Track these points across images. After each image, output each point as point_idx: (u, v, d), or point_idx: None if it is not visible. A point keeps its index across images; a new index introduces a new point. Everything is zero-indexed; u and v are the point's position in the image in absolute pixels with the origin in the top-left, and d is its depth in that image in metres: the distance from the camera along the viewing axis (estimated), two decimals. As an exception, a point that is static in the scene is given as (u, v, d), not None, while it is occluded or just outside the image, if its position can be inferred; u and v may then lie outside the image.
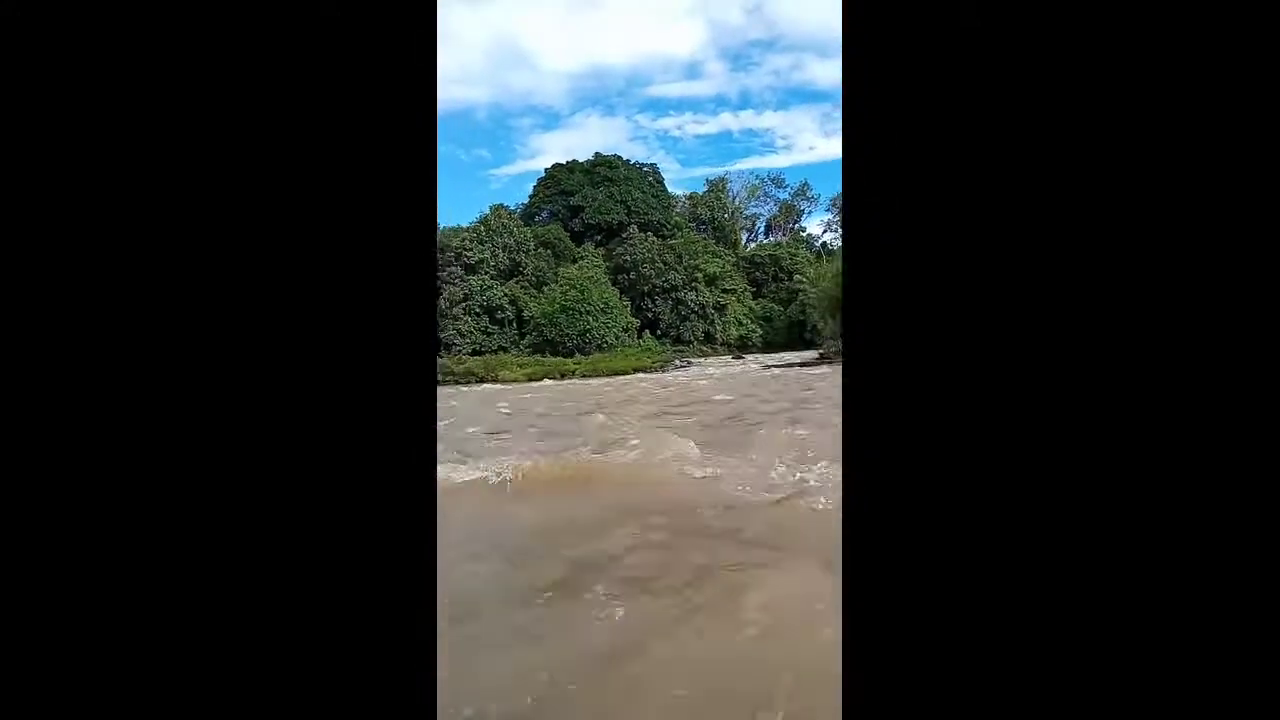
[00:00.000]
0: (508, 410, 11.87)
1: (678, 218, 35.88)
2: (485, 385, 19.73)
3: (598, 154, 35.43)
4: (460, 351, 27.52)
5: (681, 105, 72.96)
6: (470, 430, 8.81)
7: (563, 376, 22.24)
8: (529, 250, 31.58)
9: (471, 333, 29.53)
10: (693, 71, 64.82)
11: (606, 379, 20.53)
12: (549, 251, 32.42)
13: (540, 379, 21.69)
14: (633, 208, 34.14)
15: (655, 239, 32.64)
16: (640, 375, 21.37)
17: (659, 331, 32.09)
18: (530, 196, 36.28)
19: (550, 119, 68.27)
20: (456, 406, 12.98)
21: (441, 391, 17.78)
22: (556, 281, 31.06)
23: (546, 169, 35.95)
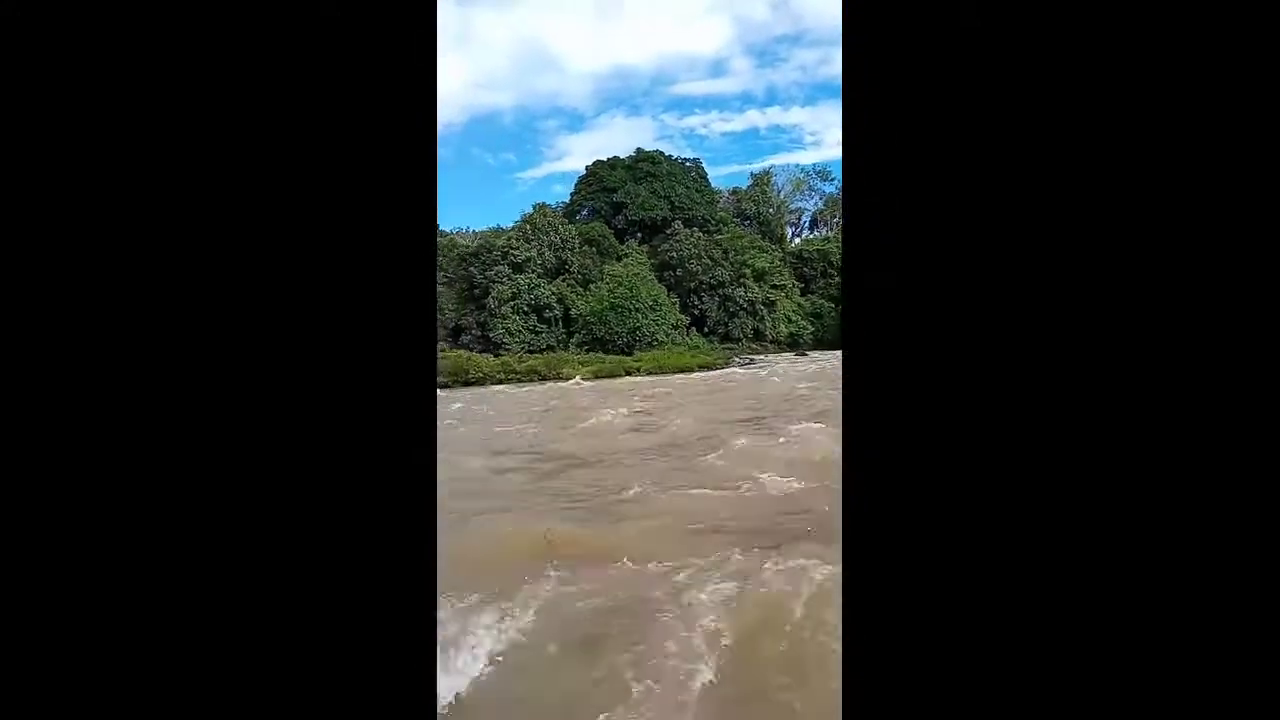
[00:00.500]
0: (641, 406, 11.21)
1: (722, 213, 35.25)
2: (550, 384, 19.18)
3: (640, 149, 34.93)
4: (510, 350, 27.14)
5: (707, 103, 72.62)
6: (675, 422, 8.12)
7: (627, 374, 21.62)
8: (574, 248, 31.11)
9: (520, 331, 29.10)
10: (718, 69, 64.35)
11: (675, 376, 19.90)
12: (593, 249, 31.93)
13: (605, 377, 21.09)
14: (676, 203, 33.57)
15: (701, 234, 32.04)
16: (712, 373, 20.74)
17: (706, 329, 31.45)
18: (572, 194, 35.85)
19: (575, 121, 68.29)
20: (580, 400, 12.33)
21: (529, 389, 17.22)
22: (602, 279, 30.59)
23: (588, 166, 35.51)
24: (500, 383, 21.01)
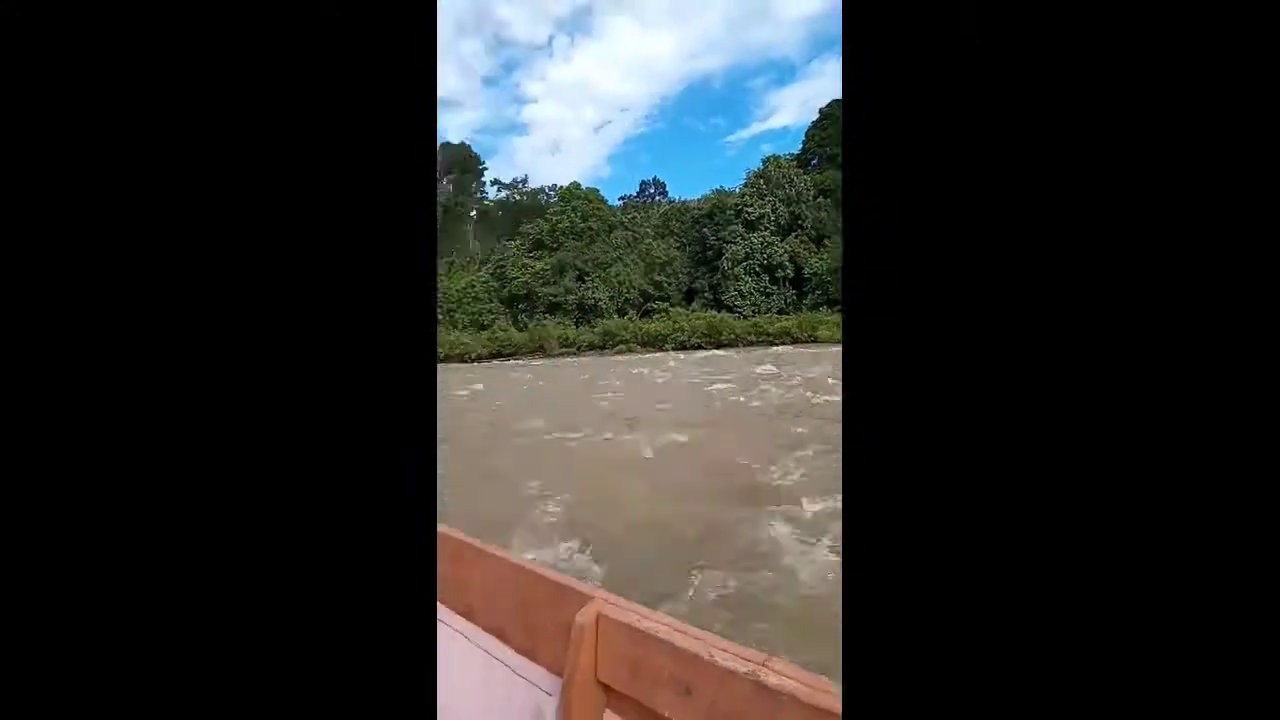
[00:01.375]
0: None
1: (987, 148, 29.67)
2: (803, 347, 17.82)
3: (884, 83, 30.78)
4: (741, 313, 26.41)
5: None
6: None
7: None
8: (808, 201, 28.83)
9: (751, 293, 28.17)
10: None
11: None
12: (829, 200, 29.26)
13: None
14: (930, 141, 29.02)
15: (962, 176, 27.29)
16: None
17: (963, 287, 26.95)
18: (803, 142, 33.34)
19: (785, 73, 63.94)
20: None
21: (796, 350, 16.20)
22: (838, 234, 27.90)
23: (821, 109, 32.57)
24: (752, 344, 20.25)
